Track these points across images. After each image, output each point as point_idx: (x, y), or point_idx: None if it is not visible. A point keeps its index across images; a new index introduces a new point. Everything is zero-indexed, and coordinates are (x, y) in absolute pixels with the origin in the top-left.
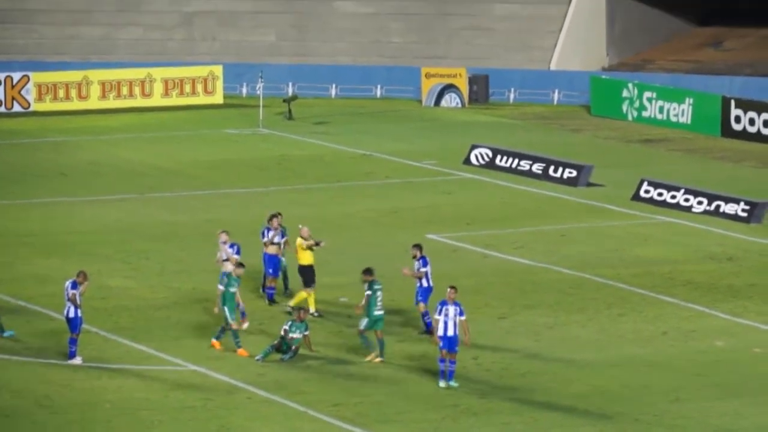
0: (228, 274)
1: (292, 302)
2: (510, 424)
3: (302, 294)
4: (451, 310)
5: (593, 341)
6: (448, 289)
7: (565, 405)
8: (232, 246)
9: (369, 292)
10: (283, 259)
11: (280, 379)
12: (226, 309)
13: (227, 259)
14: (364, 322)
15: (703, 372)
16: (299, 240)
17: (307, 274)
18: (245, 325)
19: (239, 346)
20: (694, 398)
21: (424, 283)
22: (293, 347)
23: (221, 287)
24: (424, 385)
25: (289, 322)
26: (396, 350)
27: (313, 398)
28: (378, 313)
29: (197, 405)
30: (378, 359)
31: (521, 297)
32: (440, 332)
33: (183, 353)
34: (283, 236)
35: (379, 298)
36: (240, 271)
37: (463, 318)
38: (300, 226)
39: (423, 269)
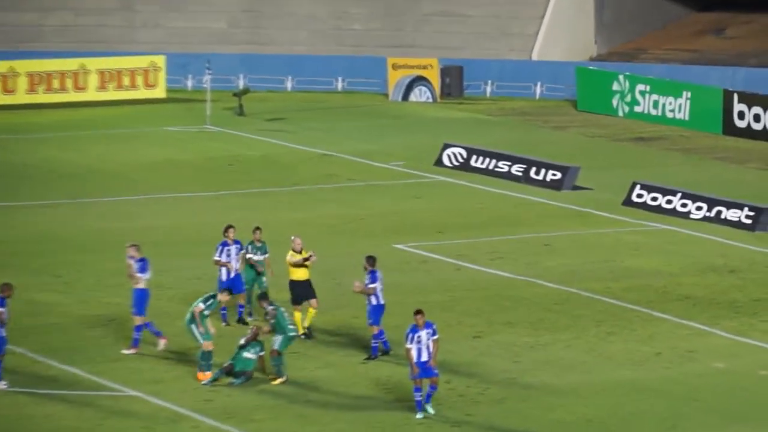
0: (214, 296)
1: (306, 323)
2: None
3: (297, 314)
4: (423, 335)
5: (579, 363)
6: (415, 316)
7: None
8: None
9: (273, 310)
10: (265, 280)
11: (229, 405)
12: (193, 327)
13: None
14: (278, 341)
15: (702, 397)
16: (291, 253)
17: (296, 290)
18: (162, 344)
19: (201, 369)
20: (692, 427)
21: (373, 301)
22: (246, 371)
23: (201, 305)
24: (390, 413)
25: (242, 339)
26: (359, 373)
27: (265, 427)
28: (292, 327)
29: None
30: (284, 377)
31: (499, 314)
32: (415, 359)
33: (120, 376)
34: (266, 252)
35: (286, 314)
36: (226, 298)
37: (435, 338)
38: (292, 238)
39: (371, 285)
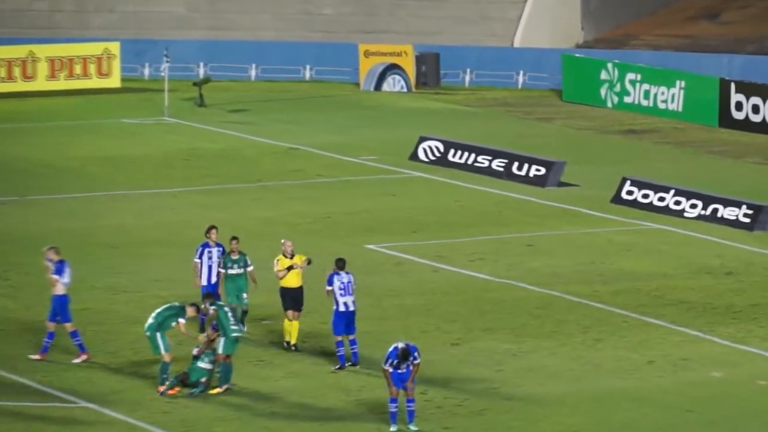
0: (182, 308)
1: (292, 339)
2: None
3: (287, 323)
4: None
5: (565, 372)
6: (401, 358)
7: None
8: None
9: (213, 310)
10: (246, 297)
11: (188, 417)
12: (158, 336)
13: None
14: (221, 344)
15: (697, 408)
16: (281, 258)
17: (286, 298)
18: (81, 359)
19: (163, 383)
20: None
21: (340, 307)
22: (201, 380)
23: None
24: (361, 425)
25: (195, 350)
26: (328, 383)
27: None
28: (235, 327)
29: None
30: (224, 387)
31: (479, 319)
32: (392, 377)
33: (71, 387)
34: (247, 265)
35: (230, 314)
36: (193, 314)
37: (417, 362)
38: (282, 241)
39: (327, 288)
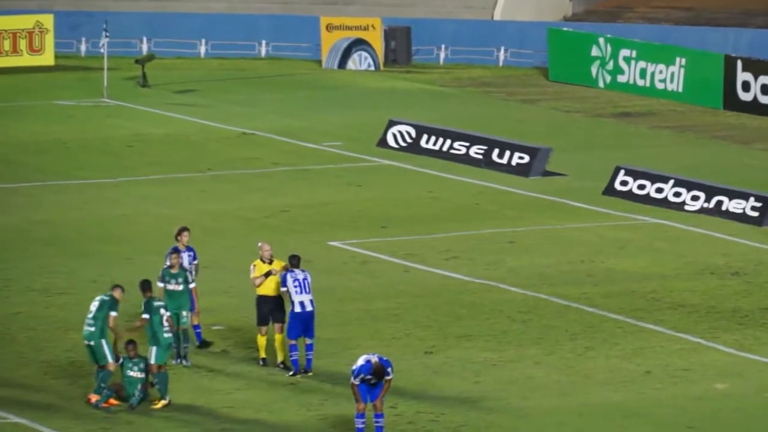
0: (111, 298)
1: (279, 356)
2: None
3: (261, 339)
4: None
5: (552, 383)
6: (374, 374)
7: None
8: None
9: (146, 315)
10: (186, 315)
11: None
12: (103, 343)
13: None
14: (153, 353)
15: (698, 424)
16: (258, 263)
17: (263, 308)
18: None
19: (99, 392)
20: None
21: (296, 307)
22: (135, 392)
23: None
24: None
25: (121, 358)
26: (288, 395)
27: None
28: (168, 336)
29: None
30: (168, 399)
31: (455, 324)
32: (361, 395)
33: (2, 400)
34: (187, 282)
35: (165, 318)
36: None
37: (388, 378)
38: (259, 244)
39: (282, 288)
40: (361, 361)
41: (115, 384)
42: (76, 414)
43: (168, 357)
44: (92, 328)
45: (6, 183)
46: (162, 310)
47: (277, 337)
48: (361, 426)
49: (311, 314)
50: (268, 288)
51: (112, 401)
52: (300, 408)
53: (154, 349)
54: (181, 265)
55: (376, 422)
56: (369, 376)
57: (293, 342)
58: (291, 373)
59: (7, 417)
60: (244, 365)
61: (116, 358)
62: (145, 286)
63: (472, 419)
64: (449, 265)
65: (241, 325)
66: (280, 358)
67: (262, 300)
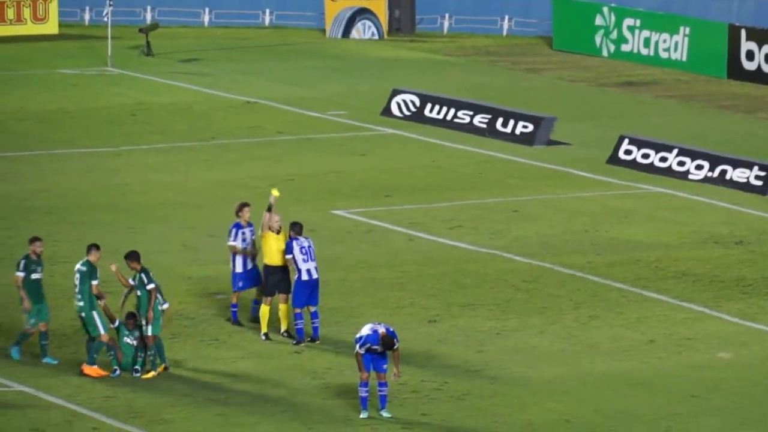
0: (88, 264)
1: (283, 325)
2: None
3: (265, 308)
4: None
5: (556, 353)
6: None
7: None
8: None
9: (152, 285)
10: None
11: (135, 403)
12: (94, 315)
13: None
14: (150, 326)
15: (702, 393)
16: (267, 232)
17: (270, 279)
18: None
19: (92, 363)
20: (690, 429)
21: (303, 275)
22: (137, 359)
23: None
24: (329, 413)
25: (117, 321)
26: (292, 364)
27: (179, 429)
28: (163, 307)
29: None
30: (162, 367)
31: (459, 293)
32: (364, 364)
33: (5, 369)
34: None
35: (157, 290)
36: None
37: (396, 347)
38: (269, 214)
39: (287, 256)
40: (366, 330)
41: (118, 355)
42: (80, 382)
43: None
44: (81, 302)
45: (7, 151)
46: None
47: (282, 306)
48: (364, 395)
49: (316, 282)
50: (276, 258)
51: (97, 371)
52: (304, 377)
53: (152, 323)
54: (38, 253)
55: (380, 391)
56: (376, 346)
57: (298, 311)
58: (295, 341)
59: (11, 385)
60: (248, 334)
61: (112, 320)
62: (134, 257)
63: (476, 388)
64: (453, 234)
65: (245, 294)
66: (283, 327)
67: (269, 270)
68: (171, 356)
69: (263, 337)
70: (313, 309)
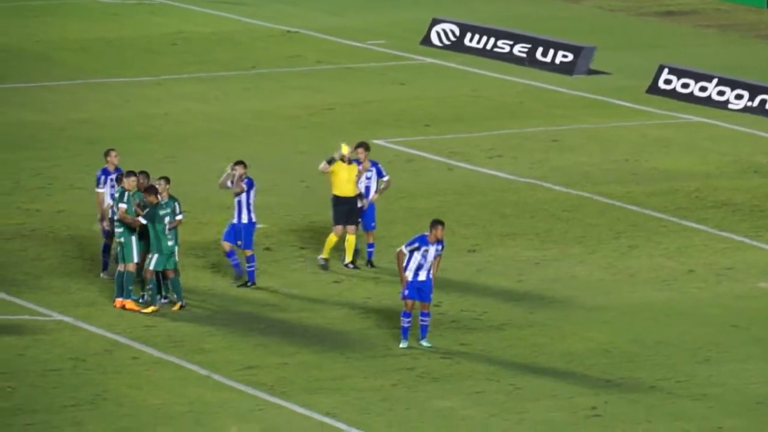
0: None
1: (348, 257)
2: (483, 393)
3: (332, 237)
4: (432, 251)
5: (595, 282)
6: (433, 228)
7: (556, 368)
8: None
9: (143, 220)
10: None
11: (174, 332)
12: (133, 240)
13: None
14: (153, 260)
15: (742, 323)
16: (339, 163)
17: (339, 208)
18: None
19: (128, 297)
20: (729, 359)
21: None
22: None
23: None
24: (367, 342)
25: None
26: (332, 293)
27: (218, 358)
28: (171, 244)
29: (64, 367)
30: (178, 305)
31: (498, 223)
32: (410, 277)
33: (45, 298)
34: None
35: (168, 226)
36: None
37: (440, 254)
38: (343, 144)
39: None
40: (414, 236)
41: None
42: (119, 312)
43: (172, 263)
44: (119, 229)
45: (47, 81)
46: (167, 219)
47: (349, 237)
48: (406, 325)
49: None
50: (346, 188)
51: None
52: (342, 307)
53: (155, 256)
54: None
55: (422, 321)
56: (425, 247)
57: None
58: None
59: (51, 315)
60: (287, 263)
61: (135, 213)
62: (152, 191)
63: (515, 318)
64: (493, 163)
65: (285, 224)
66: (348, 258)
67: (338, 200)
68: (209, 286)
69: (321, 261)
70: (371, 240)
